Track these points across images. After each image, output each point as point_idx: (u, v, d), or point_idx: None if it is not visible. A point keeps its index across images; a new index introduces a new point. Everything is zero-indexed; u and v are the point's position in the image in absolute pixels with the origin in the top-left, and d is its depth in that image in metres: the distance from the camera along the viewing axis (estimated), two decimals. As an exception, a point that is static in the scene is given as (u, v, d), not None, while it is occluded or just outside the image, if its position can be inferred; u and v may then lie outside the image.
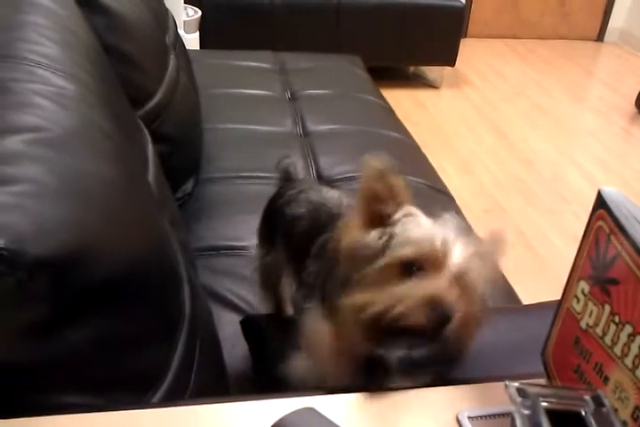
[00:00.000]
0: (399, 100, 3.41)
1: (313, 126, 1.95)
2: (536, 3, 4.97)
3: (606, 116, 3.71)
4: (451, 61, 3.78)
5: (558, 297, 0.66)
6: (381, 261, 0.65)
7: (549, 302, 0.78)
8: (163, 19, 1.81)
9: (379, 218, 0.68)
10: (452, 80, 3.99)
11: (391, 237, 0.66)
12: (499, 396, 0.57)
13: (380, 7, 3.55)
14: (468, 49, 4.29)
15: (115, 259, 0.61)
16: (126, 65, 1.32)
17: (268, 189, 1.62)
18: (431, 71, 3.97)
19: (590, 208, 0.60)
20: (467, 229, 0.69)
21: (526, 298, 1.48)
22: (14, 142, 0.66)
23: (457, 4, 3.67)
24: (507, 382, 0.55)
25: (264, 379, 0.93)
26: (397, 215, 0.67)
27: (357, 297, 0.65)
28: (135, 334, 0.65)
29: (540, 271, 2.30)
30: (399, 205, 0.68)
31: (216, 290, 1.24)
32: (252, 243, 1.40)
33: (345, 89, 2.31)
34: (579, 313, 0.62)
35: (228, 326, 1.09)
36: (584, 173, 3.04)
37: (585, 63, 4.67)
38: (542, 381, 0.67)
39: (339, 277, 0.71)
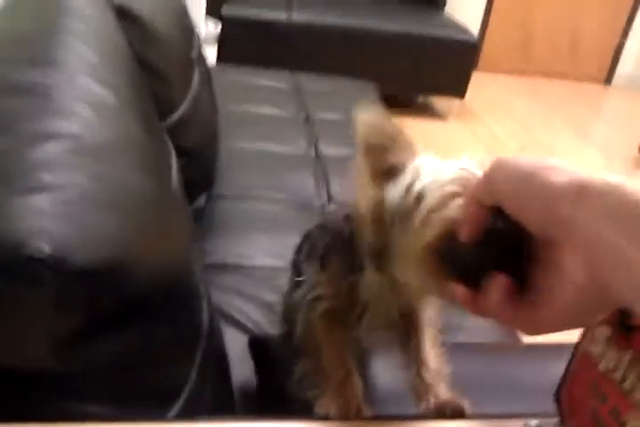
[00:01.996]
0: (406, 129, 3.43)
1: (326, 150, 1.96)
2: (547, 42, 5.04)
3: (609, 159, 3.74)
4: (461, 94, 3.83)
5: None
6: (424, 208, 0.55)
7: (556, 344, 0.78)
8: (189, 32, 1.82)
9: (388, 171, 0.59)
10: (460, 112, 4.02)
11: (419, 183, 0.56)
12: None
13: (397, 36, 3.63)
14: (478, 83, 4.33)
15: (146, 273, 0.61)
16: (153, 76, 1.32)
17: (279, 210, 1.64)
18: (440, 102, 4.01)
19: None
20: None
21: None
22: (54, 148, 0.65)
23: (470, 38, 3.80)
24: (526, 421, 0.56)
25: (271, 400, 0.93)
26: (413, 163, 0.59)
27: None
28: (160, 349, 0.64)
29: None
30: (407, 152, 0.60)
31: (221, 307, 1.23)
32: (262, 262, 1.41)
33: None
34: (597, 357, 0.62)
35: (233, 345, 1.08)
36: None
37: (592, 105, 4.73)
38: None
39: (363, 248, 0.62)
